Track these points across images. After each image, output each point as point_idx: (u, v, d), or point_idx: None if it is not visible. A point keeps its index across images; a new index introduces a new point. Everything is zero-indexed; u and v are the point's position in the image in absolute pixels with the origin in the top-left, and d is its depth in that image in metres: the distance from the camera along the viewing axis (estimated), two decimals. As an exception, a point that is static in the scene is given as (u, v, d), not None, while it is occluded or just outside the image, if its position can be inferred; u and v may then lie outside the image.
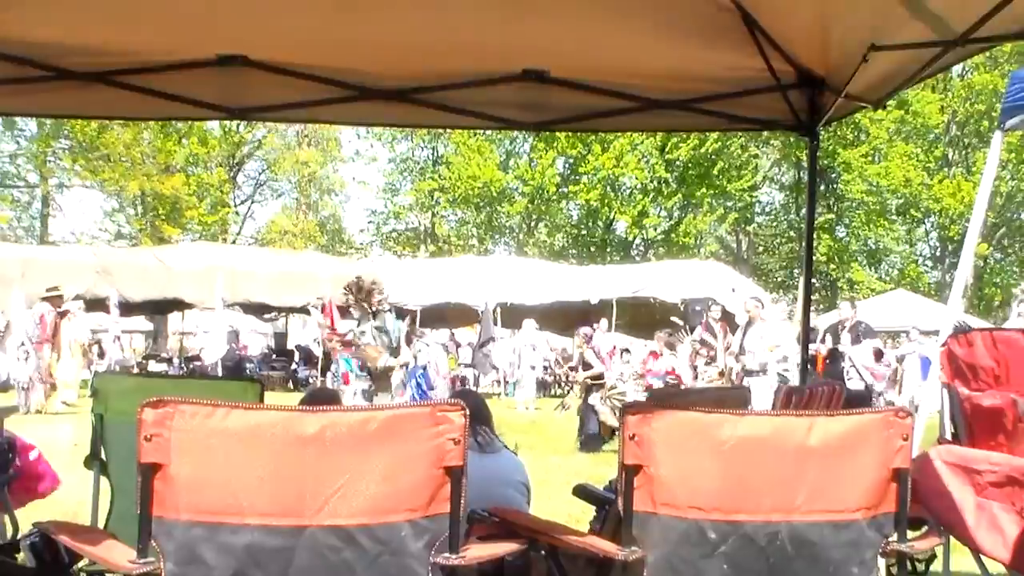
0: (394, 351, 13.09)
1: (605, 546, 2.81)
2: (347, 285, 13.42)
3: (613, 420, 13.78)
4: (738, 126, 6.36)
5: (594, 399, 14.22)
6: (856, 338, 15.56)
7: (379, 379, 12.98)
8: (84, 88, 5.41)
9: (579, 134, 37.13)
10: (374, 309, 13.05)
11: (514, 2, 4.86)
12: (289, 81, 5.47)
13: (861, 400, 13.46)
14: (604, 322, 21.03)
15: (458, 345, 30.32)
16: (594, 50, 5.26)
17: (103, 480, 4.30)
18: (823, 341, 16.40)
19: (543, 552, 3.23)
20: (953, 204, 40.04)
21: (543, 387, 26.18)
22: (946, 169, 42.99)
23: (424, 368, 14.74)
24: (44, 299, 18.25)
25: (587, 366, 15.72)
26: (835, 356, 15.62)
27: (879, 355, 16.58)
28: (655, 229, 43.10)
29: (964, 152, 44.10)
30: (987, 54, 35.28)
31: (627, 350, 19.00)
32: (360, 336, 13.21)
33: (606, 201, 41.45)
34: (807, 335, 6.81)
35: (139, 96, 5.49)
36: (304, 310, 24.70)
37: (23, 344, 17.82)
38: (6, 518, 4.43)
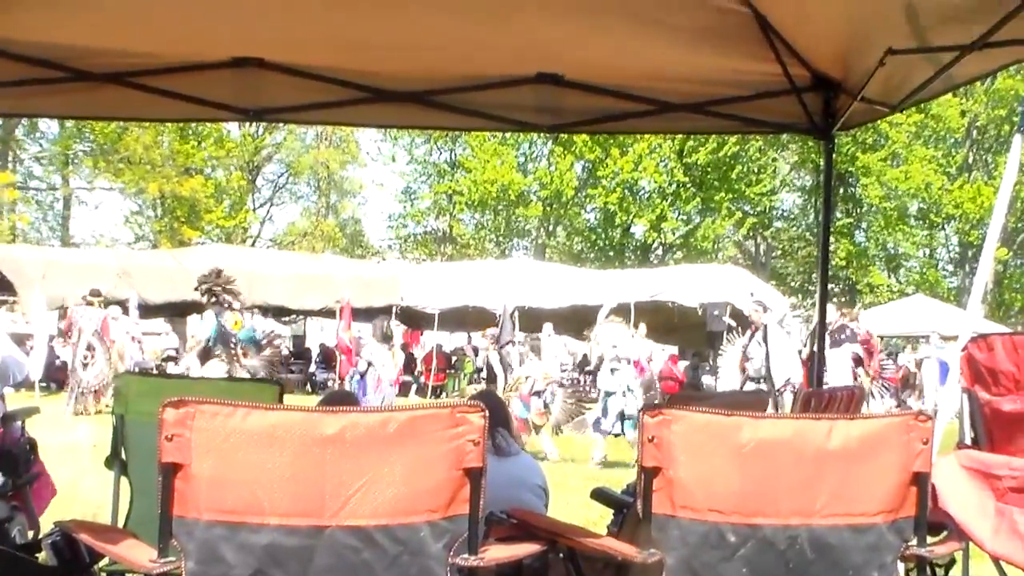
0: (205, 353, 13.00)
1: (624, 548, 2.80)
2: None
3: None
4: (753, 129, 6.38)
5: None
6: (836, 342, 15.11)
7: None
8: (101, 89, 5.44)
9: (597, 137, 37.14)
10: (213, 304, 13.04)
11: (527, 6, 4.87)
12: (304, 83, 5.50)
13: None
14: (643, 327, 20.94)
15: (476, 350, 30.30)
16: (608, 54, 5.28)
17: (123, 480, 4.32)
18: (805, 345, 15.96)
19: (561, 555, 3.23)
20: (973, 209, 39.80)
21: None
22: (966, 174, 42.75)
23: (363, 375, 14.69)
24: (95, 303, 18.43)
25: (491, 370, 15.57)
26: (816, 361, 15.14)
27: (858, 361, 15.91)
28: (673, 233, 43.00)
29: (985, 157, 43.85)
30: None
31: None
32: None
33: (624, 205, 41.37)
34: (823, 339, 6.80)
35: (155, 97, 5.52)
36: (322, 313, 24.75)
37: (90, 347, 17.94)
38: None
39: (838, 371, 14.80)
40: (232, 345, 13.43)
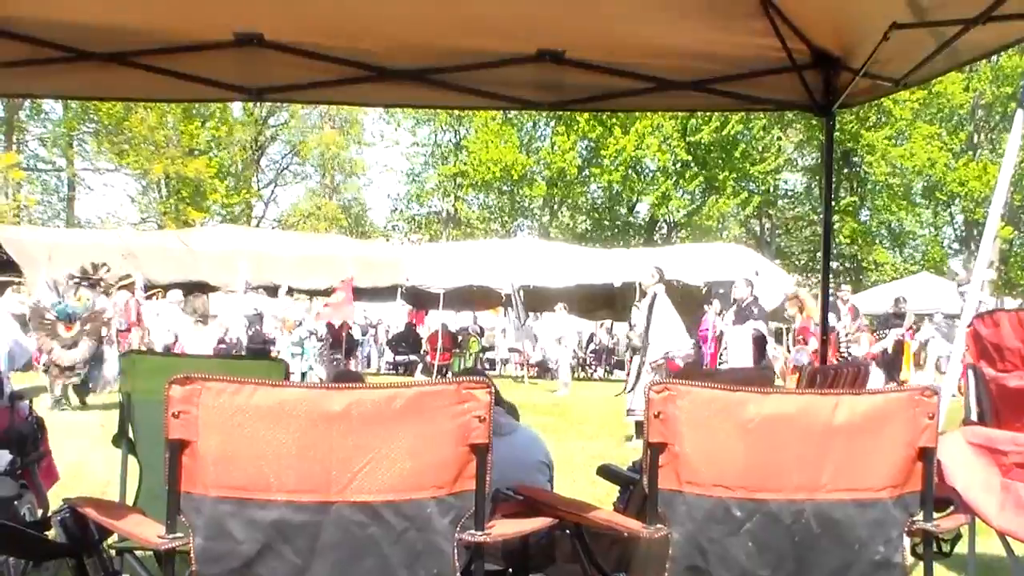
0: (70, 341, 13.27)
1: (630, 524, 2.81)
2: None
3: None
4: (754, 106, 6.38)
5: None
6: (740, 318, 14.13)
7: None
8: (103, 69, 5.42)
9: (599, 116, 37.10)
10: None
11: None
12: (306, 62, 5.49)
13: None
14: (716, 303, 20.79)
15: (481, 329, 30.31)
16: (609, 31, 5.27)
17: (131, 458, 4.33)
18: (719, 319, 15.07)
19: (568, 531, 3.24)
20: (978, 187, 39.67)
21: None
22: (971, 152, 42.61)
23: (169, 348, 14.89)
24: (122, 287, 18.43)
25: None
26: (719, 341, 14.48)
27: (761, 341, 14.30)
28: (678, 212, 42.98)
29: (990, 135, 43.70)
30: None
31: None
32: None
33: (628, 183, 41.34)
34: (826, 317, 6.79)
35: (158, 77, 5.50)
36: (328, 293, 24.77)
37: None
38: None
39: (737, 349, 14.00)
40: (46, 319, 13.74)
